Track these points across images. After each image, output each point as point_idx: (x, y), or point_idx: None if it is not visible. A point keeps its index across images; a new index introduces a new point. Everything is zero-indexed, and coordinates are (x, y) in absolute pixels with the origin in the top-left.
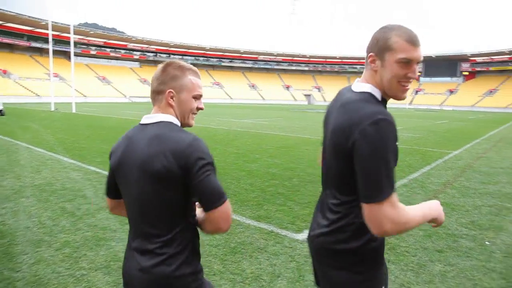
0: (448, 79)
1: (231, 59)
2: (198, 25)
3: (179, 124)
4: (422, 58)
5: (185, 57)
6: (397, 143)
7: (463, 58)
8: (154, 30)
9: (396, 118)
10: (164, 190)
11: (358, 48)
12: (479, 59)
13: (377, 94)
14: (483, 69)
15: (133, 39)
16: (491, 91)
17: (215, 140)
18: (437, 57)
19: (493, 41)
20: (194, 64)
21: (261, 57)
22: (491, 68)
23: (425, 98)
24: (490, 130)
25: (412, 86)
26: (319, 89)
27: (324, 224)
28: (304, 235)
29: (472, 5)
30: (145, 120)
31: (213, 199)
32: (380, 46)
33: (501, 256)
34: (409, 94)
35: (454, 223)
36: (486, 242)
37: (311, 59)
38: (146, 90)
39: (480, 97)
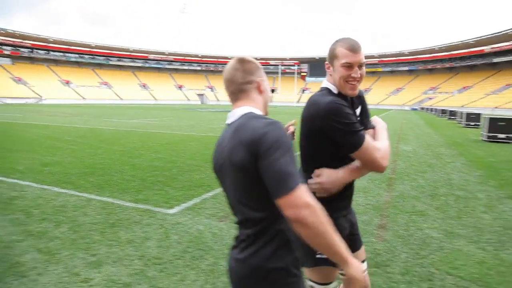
0: None
1: (120, 57)
2: (82, 21)
3: (260, 112)
4: (363, 61)
5: (67, 54)
6: (349, 111)
7: None
8: (30, 24)
9: (281, 115)
10: (249, 181)
11: (253, 48)
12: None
13: (333, 89)
14: None
15: (2, 31)
16: (365, 90)
17: (100, 140)
18: (321, 58)
19: (364, 46)
20: (78, 62)
21: (151, 56)
22: (366, 69)
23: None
24: None
25: (299, 85)
26: (212, 88)
27: None
28: (174, 210)
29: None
30: (229, 119)
31: (289, 179)
32: (330, 56)
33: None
34: (296, 93)
35: None
36: None
37: (204, 59)
38: (22, 90)
39: None
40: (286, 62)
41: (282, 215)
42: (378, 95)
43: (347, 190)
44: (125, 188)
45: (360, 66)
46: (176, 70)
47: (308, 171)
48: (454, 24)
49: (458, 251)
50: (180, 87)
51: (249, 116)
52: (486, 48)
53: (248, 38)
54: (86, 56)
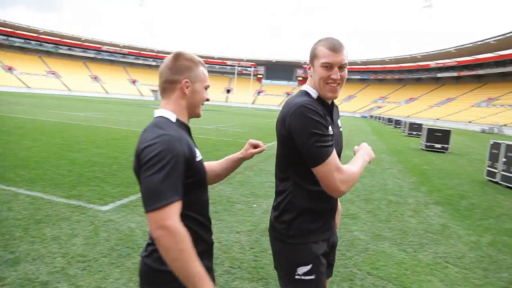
0: (285, 82)
1: (71, 46)
2: (27, 5)
3: (173, 119)
4: (344, 62)
5: (11, 38)
6: (319, 120)
7: (298, 65)
8: None
9: (234, 116)
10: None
11: (210, 47)
12: (202, 61)
13: (312, 92)
14: None
15: None
16: None
17: (41, 132)
18: (277, 62)
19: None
20: (24, 48)
21: (105, 48)
22: (346, 72)
23: (266, 98)
24: None
25: (254, 87)
26: None
27: (273, 206)
28: (108, 207)
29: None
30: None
31: (151, 198)
32: (311, 56)
33: (260, 213)
34: (251, 95)
35: (237, 194)
36: (254, 205)
37: (160, 54)
38: None
39: None
40: (243, 63)
41: (194, 220)
42: None
43: (331, 200)
44: (59, 183)
45: (341, 67)
46: (130, 64)
47: (285, 180)
48: (403, 38)
49: (382, 253)
50: (134, 82)
51: (153, 123)
52: (432, 63)
53: (207, 37)
54: (33, 42)
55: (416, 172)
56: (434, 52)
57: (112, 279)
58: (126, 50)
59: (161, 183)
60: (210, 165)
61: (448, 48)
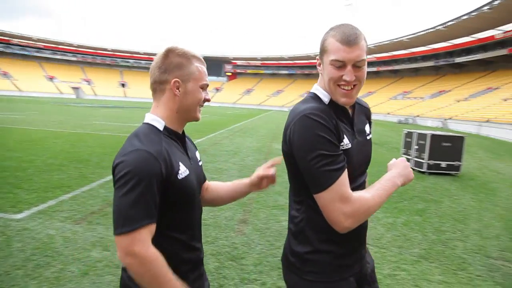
0: (214, 78)
1: None
2: None
3: (161, 127)
4: (360, 58)
5: None
6: (325, 135)
7: (227, 61)
8: None
9: (134, 112)
10: None
11: (138, 42)
12: (239, 62)
13: (323, 95)
14: (242, 71)
15: None
16: (248, 90)
17: None
18: (205, 57)
19: (249, 47)
20: None
21: (15, 41)
22: (248, 71)
23: None
24: (237, 122)
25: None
26: (89, 82)
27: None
28: (23, 215)
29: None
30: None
31: (118, 222)
32: (320, 49)
33: None
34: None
35: None
36: None
37: (79, 49)
38: None
39: (240, 95)
40: None
41: (172, 238)
42: (260, 96)
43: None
44: None
45: (356, 66)
46: (46, 59)
47: (298, 203)
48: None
49: None
50: (51, 79)
51: (136, 132)
52: (317, 58)
53: (135, 31)
54: None
55: None
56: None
57: None
58: (40, 44)
59: (129, 206)
60: (217, 186)
61: (368, 45)
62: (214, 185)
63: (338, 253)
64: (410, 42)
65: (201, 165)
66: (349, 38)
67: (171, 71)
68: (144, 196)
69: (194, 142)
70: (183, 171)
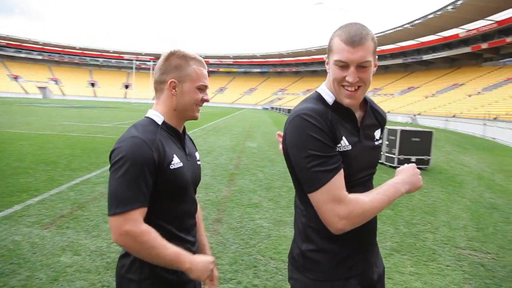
0: None
1: None
2: None
3: (160, 121)
4: (365, 59)
5: None
6: (316, 136)
7: None
8: None
9: (135, 113)
10: None
11: (105, 40)
12: (211, 61)
13: (328, 96)
14: (214, 69)
15: None
16: (221, 89)
17: None
18: None
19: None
20: None
21: None
22: (221, 69)
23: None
24: (210, 121)
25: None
26: (56, 81)
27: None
28: None
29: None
30: None
31: (112, 203)
32: (327, 48)
33: None
34: (152, 90)
35: None
36: None
37: (46, 47)
38: None
39: (213, 94)
40: (141, 57)
41: (160, 227)
42: (233, 94)
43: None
44: None
45: (360, 66)
46: (10, 57)
47: (302, 202)
48: (300, 33)
49: (283, 237)
50: (15, 78)
51: (135, 123)
52: (325, 57)
53: (102, 29)
54: None
55: None
56: (326, 46)
57: None
58: (3, 42)
59: (122, 189)
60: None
61: None
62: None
63: (339, 253)
64: (379, 40)
65: (200, 165)
66: (354, 38)
67: (169, 72)
68: (137, 180)
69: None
70: (176, 162)
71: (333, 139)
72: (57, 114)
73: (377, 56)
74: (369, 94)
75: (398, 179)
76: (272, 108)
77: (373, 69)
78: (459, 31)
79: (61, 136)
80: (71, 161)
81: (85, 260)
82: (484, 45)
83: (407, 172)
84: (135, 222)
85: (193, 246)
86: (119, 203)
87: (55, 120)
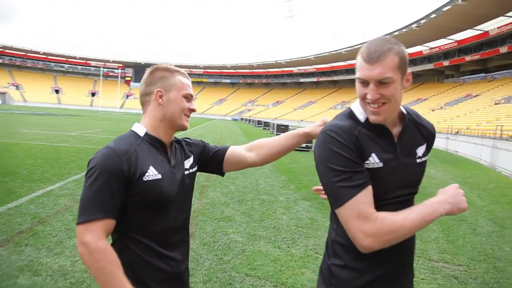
0: None
1: None
2: None
3: (142, 133)
4: (381, 77)
5: None
6: (340, 151)
7: None
8: None
9: (100, 121)
10: None
11: (71, 46)
12: (181, 71)
13: (359, 113)
14: None
15: None
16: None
17: None
18: (146, 64)
19: (191, 56)
20: None
21: None
22: (192, 79)
23: (136, 102)
24: (179, 132)
25: (123, 90)
26: (17, 86)
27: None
28: None
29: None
30: None
31: (79, 213)
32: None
33: None
34: (119, 98)
35: None
36: None
37: (6, 51)
38: None
39: None
40: (109, 65)
41: (135, 241)
42: (203, 104)
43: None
44: None
45: (381, 83)
46: None
47: (335, 216)
48: (271, 45)
49: (258, 252)
50: None
51: (119, 135)
52: (295, 69)
53: (69, 34)
54: None
55: (285, 171)
56: (296, 59)
57: None
58: None
59: (87, 199)
60: (260, 145)
61: (308, 56)
62: (256, 144)
63: (364, 273)
64: (347, 54)
65: (192, 172)
66: (371, 55)
67: (155, 83)
68: (101, 190)
69: None
70: (152, 174)
71: (359, 155)
72: (17, 121)
73: (409, 70)
74: (338, 107)
75: (437, 198)
76: (242, 119)
77: (401, 84)
78: (423, 49)
79: (21, 145)
80: (32, 172)
81: (46, 281)
82: (446, 63)
83: (449, 192)
84: (95, 233)
85: (180, 265)
86: (82, 212)
87: (15, 127)
